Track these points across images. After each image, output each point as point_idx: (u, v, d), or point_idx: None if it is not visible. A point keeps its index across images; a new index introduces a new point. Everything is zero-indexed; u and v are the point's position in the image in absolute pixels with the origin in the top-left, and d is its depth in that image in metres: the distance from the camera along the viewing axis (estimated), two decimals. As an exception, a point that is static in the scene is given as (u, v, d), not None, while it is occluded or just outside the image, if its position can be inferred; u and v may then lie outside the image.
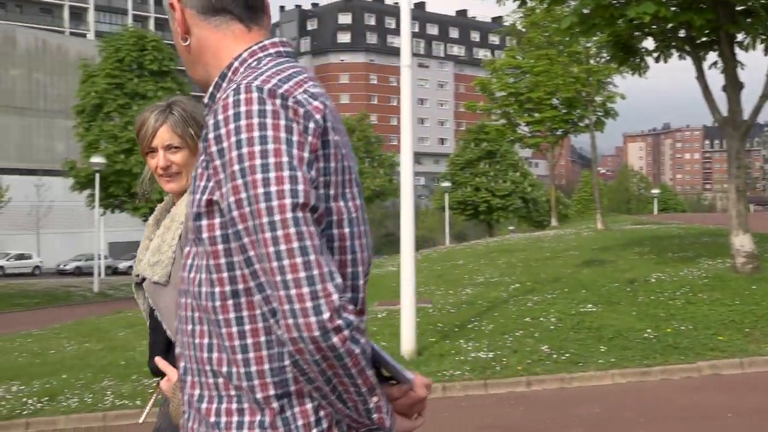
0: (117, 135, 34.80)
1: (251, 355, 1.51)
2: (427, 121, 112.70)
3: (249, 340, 1.51)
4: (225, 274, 1.51)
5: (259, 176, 1.42)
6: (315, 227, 1.44)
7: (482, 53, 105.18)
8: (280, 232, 1.41)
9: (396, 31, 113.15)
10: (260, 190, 1.42)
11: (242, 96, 1.47)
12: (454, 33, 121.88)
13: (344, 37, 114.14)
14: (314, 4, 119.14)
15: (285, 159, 1.44)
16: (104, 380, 10.09)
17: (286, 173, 1.43)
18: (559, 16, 19.21)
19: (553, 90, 28.79)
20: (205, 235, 1.53)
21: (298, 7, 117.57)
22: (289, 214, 1.42)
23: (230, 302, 1.52)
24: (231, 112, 1.47)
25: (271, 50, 1.64)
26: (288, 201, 1.42)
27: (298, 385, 1.49)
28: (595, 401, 8.45)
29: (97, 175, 31.35)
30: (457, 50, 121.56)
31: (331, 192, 1.52)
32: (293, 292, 1.41)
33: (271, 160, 1.43)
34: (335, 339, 1.42)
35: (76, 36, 77.38)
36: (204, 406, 1.55)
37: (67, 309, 25.70)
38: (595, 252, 17.94)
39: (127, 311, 19.27)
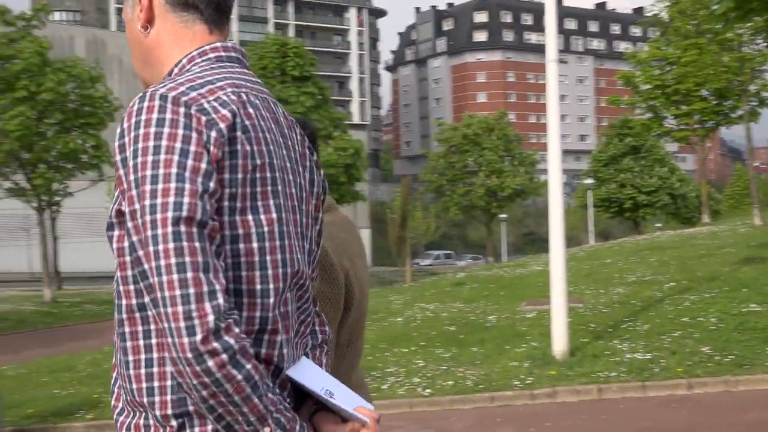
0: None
1: (155, 370, 1.45)
2: (567, 117, 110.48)
3: (154, 355, 1.45)
4: (131, 287, 1.45)
5: (148, 187, 1.36)
6: (201, 242, 1.36)
7: (623, 46, 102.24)
8: (161, 247, 1.34)
9: (533, 28, 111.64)
10: (147, 202, 1.36)
11: (145, 104, 1.42)
12: (593, 26, 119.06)
13: (480, 36, 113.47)
14: (449, 4, 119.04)
15: (174, 170, 1.36)
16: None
17: (172, 185, 1.36)
18: (709, 3, 18.36)
19: (702, 81, 27.56)
20: (114, 245, 1.48)
21: (433, 7, 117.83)
22: (169, 228, 1.35)
23: (137, 315, 1.46)
24: (133, 120, 1.41)
25: (211, 55, 1.58)
26: (170, 214, 1.35)
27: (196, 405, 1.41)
28: (764, 406, 8.00)
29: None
30: (596, 44, 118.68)
31: (238, 204, 1.44)
32: (169, 310, 1.34)
33: (161, 171, 1.36)
34: (210, 363, 1.33)
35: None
36: (120, 419, 1.51)
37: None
38: (754, 249, 17.04)
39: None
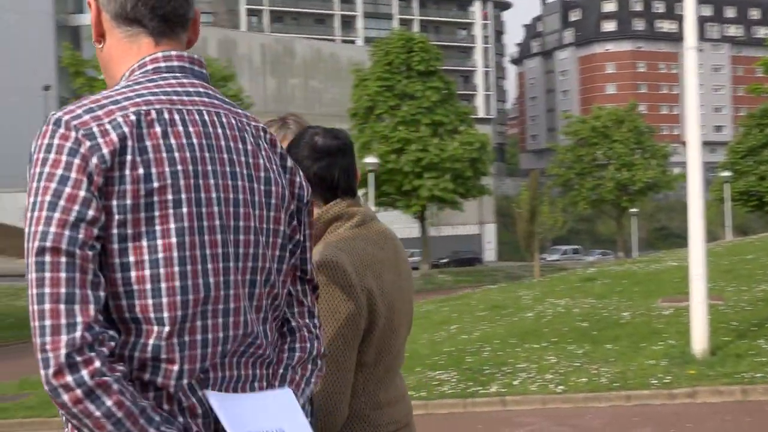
0: (388, 135, 36.12)
1: None
2: (702, 107, 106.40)
3: None
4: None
5: (28, 214, 1.36)
6: (67, 273, 1.32)
7: (763, 32, 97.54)
8: (29, 276, 1.34)
9: (665, 15, 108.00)
10: (26, 229, 1.35)
11: (44, 127, 1.40)
12: (730, 12, 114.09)
13: (609, 26, 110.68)
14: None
15: (48, 198, 1.34)
16: (390, 371, 10.40)
17: (44, 214, 1.33)
18: None
19: None
20: None
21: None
22: (32, 258, 1.33)
23: None
24: (34, 143, 1.41)
25: (149, 67, 1.52)
26: (36, 244, 1.33)
27: None
28: None
29: (371, 175, 32.68)
30: (734, 30, 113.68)
31: (128, 231, 1.37)
32: (35, 340, 1.32)
33: (38, 198, 1.35)
34: (65, 397, 1.30)
35: (346, 43, 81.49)
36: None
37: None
38: None
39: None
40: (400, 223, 52.32)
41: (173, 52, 1.54)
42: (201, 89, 1.54)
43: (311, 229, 1.68)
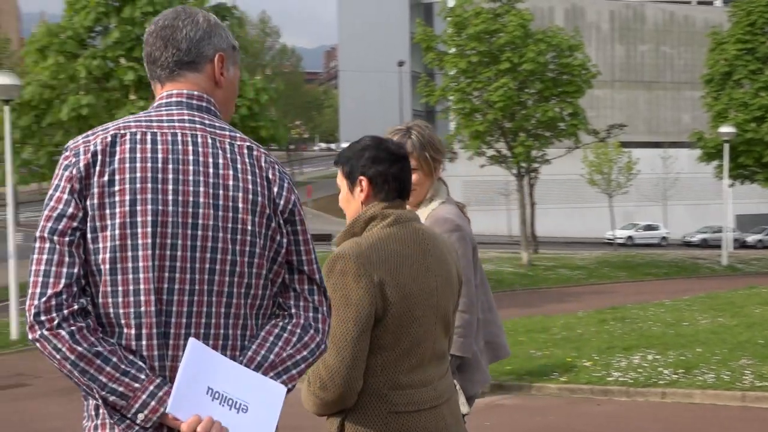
0: (747, 103, 33.33)
1: None
2: None
3: None
4: None
5: None
6: (47, 255, 1.82)
7: None
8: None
9: None
10: None
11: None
12: None
13: None
14: None
15: (45, 200, 1.87)
16: (741, 358, 9.61)
17: (44, 213, 1.86)
18: None
19: None
20: None
21: None
22: (34, 243, 1.87)
23: None
24: None
25: (155, 103, 2.02)
26: (37, 233, 1.86)
27: None
28: None
29: (726, 145, 30.42)
30: None
31: (97, 224, 1.84)
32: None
33: (46, 201, 1.88)
34: (37, 344, 1.81)
35: (702, 5, 76.43)
36: None
37: (695, 281, 25.55)
38: None
39: (761, 287, 18.34)
40: (756, 198, 48.34)
41: (174, 91, 2.02)
42: (187, 117, 1.97)
43: (304, 235, 2.00)
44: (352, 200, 2.57)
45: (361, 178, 2.53)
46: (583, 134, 28.62)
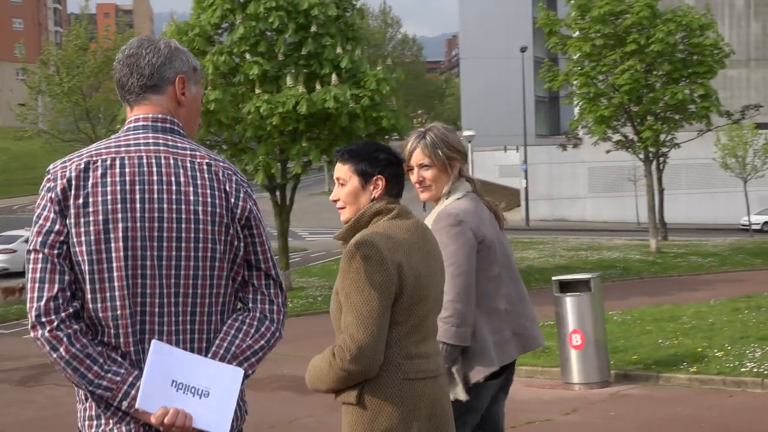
0: None
1: None
2: None
3: None
4: None
5: None
6: (40, 264, 2.14)
7: None
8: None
9: None
10: None
11: None
12: None
13: None
14: None
15: (35, 219, 2.19)
16: None
17: (33, 229, 2.18)
18: None
19: None
20: None
21: None
22: (28, 256, 2.18)
23: None
24: None
25: (126, 126, 2.31)
26: (29, 247, 2.18)
27: None
28: None
29: None
30: None
31: (74, 240, 2.15)
32: None
33: (35, 219, 2.20)
34: (38, 343, 2.14)
35: None
36: None
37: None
38: None
39: None
40: None
41: (141, 115, 2.32)
42: (152, 140, 2.26)
43: (260, 237, 2.29)
44: (363, 195, 2.88)
45: (378, 177, 2.86)
46: (715, 116, 27.50)
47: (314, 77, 18.10)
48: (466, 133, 42.91)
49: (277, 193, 19.82)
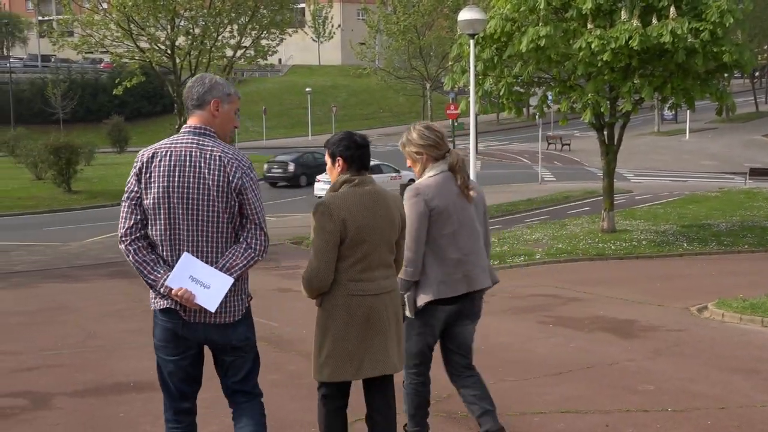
0: None
1: None
2: None
3: None
4: None
5: None
6: (126, 208, 3.88)
7: None
8: None
9: None
10: None
11: None
12: None
13: None
14: None
15: (126, 183, 3.92)
16: None
17: (126, 187, 3.92)
18: None
19: None
20: None
21: None
22: (123, 202, 3.93)
23: None
24: None
25: (182, 129, 3.98)
26: (123, 196, 3.92)
27: None
28: None
29: None
30: None
31: (144, 197, 3.86)
32: None
33: (127, 181, 3.94)
34: (119, 247, 3.90)
35: None
36: None
37: None
38: None
39: None
40: None
41: (190, 124, 3.96)
42: (190, 140, 3.90)
43: (250, 200, 3.88)
44: (333, 170, 4.42)
45: (339, 157, 4.38)
46: None
47: (651, 10, 17.15)
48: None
49: (605, 132, 19.28)
